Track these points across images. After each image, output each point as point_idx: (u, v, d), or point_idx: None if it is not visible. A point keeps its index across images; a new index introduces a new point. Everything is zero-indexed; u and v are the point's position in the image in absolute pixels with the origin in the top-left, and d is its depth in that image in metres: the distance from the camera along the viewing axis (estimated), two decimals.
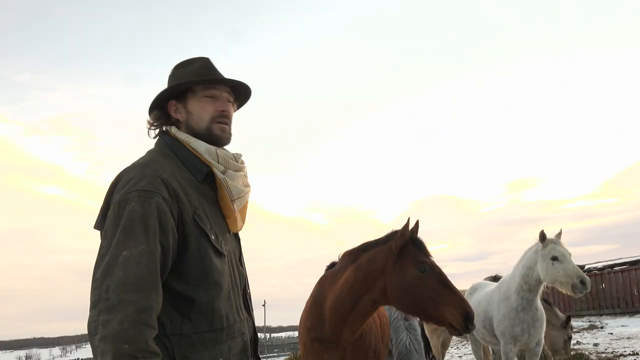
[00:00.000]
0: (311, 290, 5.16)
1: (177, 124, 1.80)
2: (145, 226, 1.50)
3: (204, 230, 1.64)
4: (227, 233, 1.79)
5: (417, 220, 3.12)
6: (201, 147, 1.72)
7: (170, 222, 1.56)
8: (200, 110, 1.76)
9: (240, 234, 1.93)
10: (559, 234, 5.73)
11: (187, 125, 1.77)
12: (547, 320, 7.59)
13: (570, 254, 5.54)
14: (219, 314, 1.64)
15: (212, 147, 1.75)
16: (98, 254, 1.52)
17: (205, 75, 1.78)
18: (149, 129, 1.83)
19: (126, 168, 1.67)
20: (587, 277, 5.38)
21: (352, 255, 3.28)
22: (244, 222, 1.87)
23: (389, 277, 2.99)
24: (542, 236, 5.64)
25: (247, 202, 1.85)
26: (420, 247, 3.05)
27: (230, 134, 1.81)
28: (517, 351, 6.05)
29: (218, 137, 1.78)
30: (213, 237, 1.66)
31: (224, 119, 1.79)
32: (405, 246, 3.01)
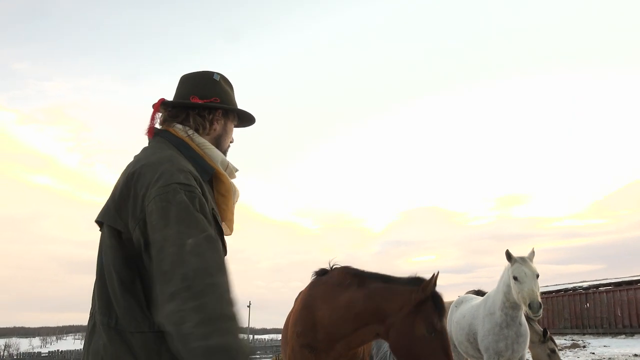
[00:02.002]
0: (298, 294, 5.17)
1: (199, 129, 1.85)
2: (201, 215, 1.54)
3: (221, 227, 1.70)
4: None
5: (437, 273, 3.09)
6: (219, 156, 1.84)
7: (209, 216, 1.60)
8: (229, 134, 1.97)
9: (231, 235, 1.97)
10: (531, 253, 5.83)
11: (217, 139, 1.91)
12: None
13: (534, 274, 5.61)
14: None
15: (226, 159, 1.88)
16: (153, 249, 1.49)
17: (245, 112, 2.01)
18: (157, 118, 1.86)
19: (144, 164, 1.63)
20: (537, 301, 5.43)
21: (357, 278, 3.27)
22: (232, 230, 1.91)
23: (398, 324, 2.98)
24: (508, 255, 5.82)
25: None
26: (437, 307, 3.02)
27: None
28: None
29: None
30: (224, 235, 1.76)
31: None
32: (424, 300, 2.98)
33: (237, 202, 1.91)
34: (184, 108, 1.85)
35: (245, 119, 2.05)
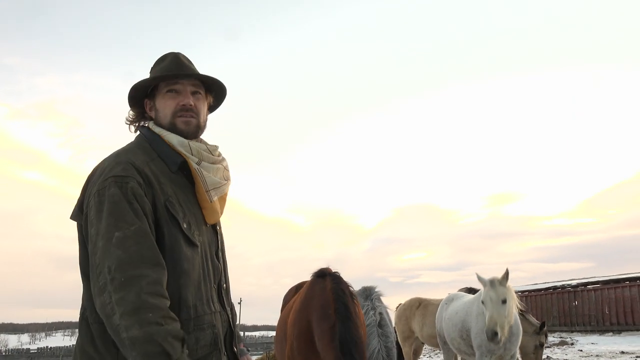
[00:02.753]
0: (288, 290, 5.29)
1: (152, 120, 1.86)
2: (131, 207, 1.54)
3: (175, 218, 1.66)
4: (204, 225, 1.79)
5: None
6: (174, 139, 1.76)
7: (148, 206, 1.60)
8: (163, 106, 1.80)
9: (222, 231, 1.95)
10: (504, 276, 5.79)
11: (156, 122, 1.82)
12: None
13: (500, 300, 5.62)
14: (187, 304, 1.64)
15: (185, 140, 1.77)
16: (90, 244, 1.55)
17: (170, 71, 1.80)
18: (129, 125, 1.89)
19: (101, 160, 1.72)
20: (492, 330, 5.48)
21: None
22: (221, 213, 1.88)
23: None
24: (478, 278, 5.91)
25: (226, 195, 1.88)
26: None
27: (197, 127, 1.82)
28: None
29: (182, 130, 1.78)
30: (185, 226, 1.67)
31: (187, 112, 1.79)
32: None
33: (219, 188, 1.82)
34: (134, 108, 1.90)
35: (170, 77, 1.79)
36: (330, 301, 3.66)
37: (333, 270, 4.12)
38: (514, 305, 5.86)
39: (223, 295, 1.84)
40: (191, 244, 1.68)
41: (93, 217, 1.56)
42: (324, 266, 4.15)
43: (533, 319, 7.88)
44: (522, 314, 7.76)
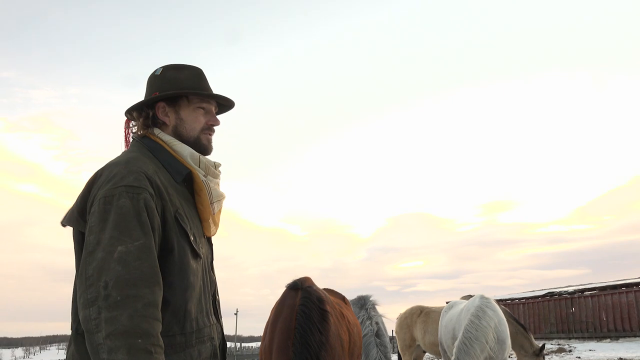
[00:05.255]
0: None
1: (161, 126, 1.81)
2: (139, 222, 1.48)
3: (185, 230, 1.63)
4: (203, 237, 1.79)
5: None
6: (185, 150, 1.76)
7: (157, 219, 1.55)
8: (193, 120, 1.82)
9: (216, 241, 1.94)
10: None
11: (175, 131, 1.80)
12: (520, 346, 7.69)
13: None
14: (190, 317, 1.62)
15: (196, 153, 1.79)
16: (84, 250, 1.47)
17: (200, 87, 1.85)
18: (131, 126, 1.85)
19: (106, 165, 1.64)
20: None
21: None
22: (217, 227, 1.87)
23: None
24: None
25: (221, 209, 1.88)
26: None
27: (212, 147, 1.89)
28: None
29: (205, 147, 1.84)
30: (192, 238, 1.66)
31: (212, 131, 1.88)
32: None
33: (220, 201, 1.84)
34: (137, 112, 1.83)
35: (204, 96, 1.86)
36: (292, 329, 3.35)
37: (310, 282, 3.81)
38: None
39: (217, 306, 1.84)
40: (196, 256, 1.67)
41: (94, 224, 1.48)
42: (318, 275, 4.01)
43: (533, 340, 7.87)
44: (523, 329, 7.76)
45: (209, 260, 1.83)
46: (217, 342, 1.75)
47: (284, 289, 3.84)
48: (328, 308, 3.56)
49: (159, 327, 1.43)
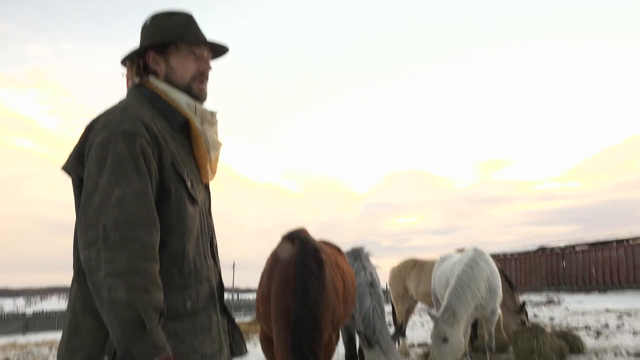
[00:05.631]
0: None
1: (156, 74, 1.81)
2: (136, 167, 1.51)
3: (182, 176, 1.66)
4: (200, 183, 1.82)
5: None
6: (181, 98, 1.77)
7: (153, 165, 1.58)
8: (183, 67, 1.80)
9: (213, 196, 1.97)
10: (451, 313, 5.67)
11: (166, 79, 1.79)
12: (503, 304, 7.90)
13: (442, 338, 5.53)
14: (188, 259, 1.67)
15: (192, 101, 1.79)
16: (83, 194, 1.52)
17: (190, 33, 1.81)
18: (134, 77, 1.83)
19: (103, 112, 1.66)
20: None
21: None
22: (214, 174, 1.90)
23: None
24: (429, 314, 6.00)
25: (218, 156, 1.89)
26: None
27: (206, 94, 1.86)
28: (473, 319, 6.37)
29: (197, 95, 1.81)
30: (189, 184, 1.69)
31: (204, 78, 1.84)
32: None
33: (217, 149, 1.86)
34: (129, 61, 1.82)
35: (199, 42, 1.82)
36: (291, 277, 3.38)
37: (306, 233, 3.83)
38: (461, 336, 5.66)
39: (215, 250, 1.88)
40: (193, 201, 1.70)
41: (92, 169, 1.52)
42: (315, 231, 3.93)
43: (518, 298, 8.09)
44: (510, 286, 7.96)
45: (207, 206, 1.86)
46: (214, 284, 1.80)
47: (280, 239, 3.88)
48: (324, 257, 3.60)
49: (156, 267, 1.48)
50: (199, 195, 1.76)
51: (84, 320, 1.54)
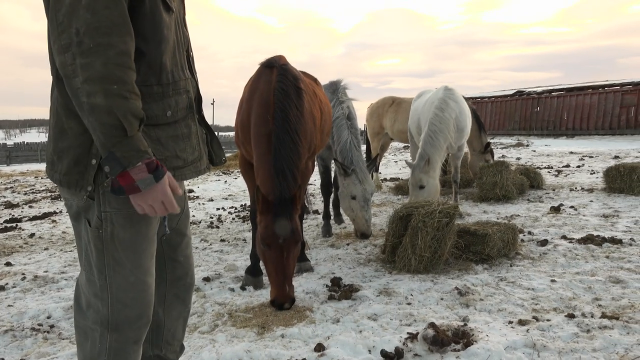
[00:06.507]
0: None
1: None
2: None
3: None
4: None
5: None
6: None
7: None
8: None
9: (190, 30, 1.91)
10: (427, 161, 5.83)
11: None
12: (469, 143, 8.20)
13: (418, 185, 5.80)
14: (166, 69, 1.67)
15: None
16: None
17: None
18: None
19: None
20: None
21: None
22: None
23: None
24: (407, 164, 6.03)
25: None
26: None
27: None
28: (444, 159, 6.68)
29: None
30: None
31: None
32: None
33: None
34: None
35: None
36: (271, 104, 3.42)
37: (285, 61, 3.81)
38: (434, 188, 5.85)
39: (191, 62, 1.88)
40: (168, 9, 1.65)
41: None
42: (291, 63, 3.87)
43: (484, 138, 8.34)
44: (479, 127, 8.19)
45: (181, 15, 1.82)
46: (192, 95, 1.83)
47: (259, 66, 3.84)
48: (302, 86, 3.64)
49: (133, 75, 1.47)
50: (174, 3, 1.70)
51: (68, 124, 1.58)
